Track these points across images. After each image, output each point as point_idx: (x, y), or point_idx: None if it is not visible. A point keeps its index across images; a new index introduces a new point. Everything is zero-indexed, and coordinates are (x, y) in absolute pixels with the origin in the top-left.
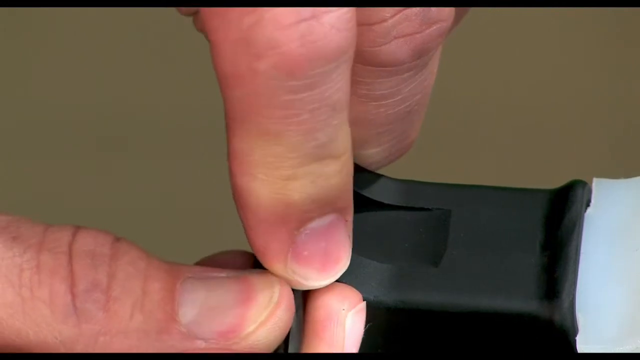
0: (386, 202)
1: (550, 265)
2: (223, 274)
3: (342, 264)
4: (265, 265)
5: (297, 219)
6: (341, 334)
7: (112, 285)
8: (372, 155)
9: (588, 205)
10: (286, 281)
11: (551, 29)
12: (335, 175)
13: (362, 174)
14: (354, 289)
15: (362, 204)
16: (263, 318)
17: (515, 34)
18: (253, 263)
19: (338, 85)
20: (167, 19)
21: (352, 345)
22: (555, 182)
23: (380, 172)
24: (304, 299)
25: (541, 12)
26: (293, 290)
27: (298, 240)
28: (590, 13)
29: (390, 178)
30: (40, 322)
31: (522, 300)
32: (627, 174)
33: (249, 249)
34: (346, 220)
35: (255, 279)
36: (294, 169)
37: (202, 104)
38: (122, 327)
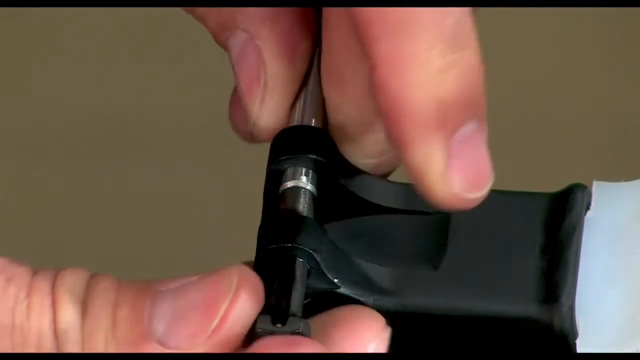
0: (386, 205)
1: (550, 269)
2: (194, 278)
3: (492, 176)
4: (423, 182)
5: (453, 121)
6: None
7: (86, 322)
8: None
9: (588, 208)
10: (443, 200)
11: (551, 29)
12: (478, 68)
13: (362, 177)
14: (378, 315)
15: (362, 207)
16: (223, 312)
17: (515, 35)
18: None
19: None
20: (168, 20)
21: None
22: (555, 185)
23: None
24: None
25: (541, 12)
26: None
27: (453, 147)
28: (591, 13)
29: (390, 181)
30: None
31: (522, 304)
32: (628, 177)
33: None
34: (485, 132)
35: (216, 274)
36: (444, 57)
37: (204, 106)
38: None
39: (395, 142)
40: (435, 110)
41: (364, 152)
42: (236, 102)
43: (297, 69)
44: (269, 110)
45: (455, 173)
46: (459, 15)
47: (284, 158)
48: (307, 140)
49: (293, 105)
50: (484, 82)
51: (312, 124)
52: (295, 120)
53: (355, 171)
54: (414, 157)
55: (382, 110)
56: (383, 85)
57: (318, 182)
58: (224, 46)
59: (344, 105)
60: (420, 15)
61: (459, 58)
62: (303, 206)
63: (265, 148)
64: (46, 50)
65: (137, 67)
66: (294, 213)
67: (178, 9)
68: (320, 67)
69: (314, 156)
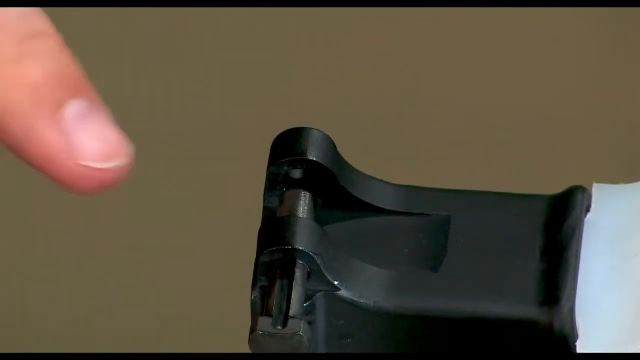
0: (385, 207)
1: (550, 271)
2: None
3: (121, 145)
4: (53, 166)
5: (49, 102)
6: None
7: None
8: None
9: (588, 210)
10: (77, 178)
11: (551, 30)
12: (59, 51)
13: (362, 179)
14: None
15: (362, 209)
16: None
17: (515, 36)
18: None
19: None
20: (169, 20)
21: None
22: (555, 187)
23: (379, 177)
24: None
25: (541, 12)
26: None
27: (69, 127)
28: (591, 13)
29: (390, 183)
30: None
31: (522, 306)
32: (628, 179)
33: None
34: (101, 109)
35: None
36: (13, 48)
37: (204, 107)
38: None
39: (19, 141)
40: (28, 98)
41: None
42: None
43: None
44: None
45: (78, 149)
46: (22, 10)
47: (283, 160)
48: (307, 142)
49: None
50: (74, 64)
51: None
52: None
53: (355, 173)
54: (37, 145)
55: None
56: None
57: (318, 184)
58: None
59: None
60: None
61: (32, 46)
62: (303, 208)
63: (265, 150)
64: None
65: (139, 70)
66: (293, 215)
67: (178, 10)
68: None
69: (314, 158)
